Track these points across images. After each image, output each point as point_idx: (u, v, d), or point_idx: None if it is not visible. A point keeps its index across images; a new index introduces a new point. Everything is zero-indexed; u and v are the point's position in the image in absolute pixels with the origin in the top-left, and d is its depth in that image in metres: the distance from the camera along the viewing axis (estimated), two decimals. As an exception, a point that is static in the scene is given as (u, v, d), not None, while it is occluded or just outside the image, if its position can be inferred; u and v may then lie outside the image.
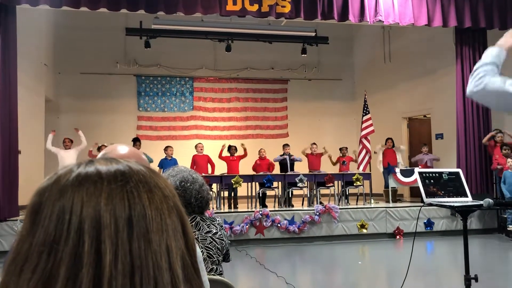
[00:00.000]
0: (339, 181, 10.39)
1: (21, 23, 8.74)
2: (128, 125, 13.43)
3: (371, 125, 10.87)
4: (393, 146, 11.31)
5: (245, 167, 10.71)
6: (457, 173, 3.79)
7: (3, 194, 7.99)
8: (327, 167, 10.96)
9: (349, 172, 10.50)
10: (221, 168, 10.68)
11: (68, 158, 9.56)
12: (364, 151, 10.80)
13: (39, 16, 10.86)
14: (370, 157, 10.82)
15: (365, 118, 10.98)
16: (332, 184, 10.00)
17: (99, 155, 1.41)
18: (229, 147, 10.80)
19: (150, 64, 13.69)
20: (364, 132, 10.87)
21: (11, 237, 7.77)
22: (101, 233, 0.50)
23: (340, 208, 9.09)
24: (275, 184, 9.88)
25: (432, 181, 3.70)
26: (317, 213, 8.89)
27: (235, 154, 10.72)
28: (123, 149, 1.51)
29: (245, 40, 12.97)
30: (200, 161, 10.41)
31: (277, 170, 10.82)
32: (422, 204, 3.78)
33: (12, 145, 8.31)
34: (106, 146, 8.22)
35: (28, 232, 0.53)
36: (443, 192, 3.67)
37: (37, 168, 10.80)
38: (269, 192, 10.16)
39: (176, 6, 8.47)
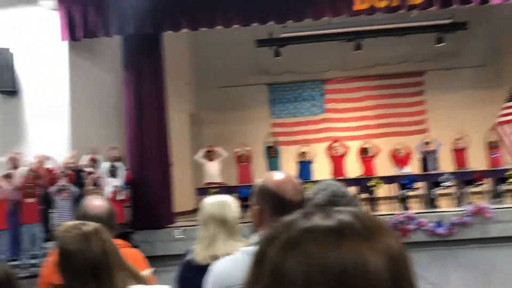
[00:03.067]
0: (490, 178, 9.50)
1: (168, 48, 9.63)
2: (262, 133, 13.94)
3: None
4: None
5: (382, 167, 10.38)
6: None
7: (160, 204, 8.91)
8: (475, 163, 10.10)
9: (500, 168, 9.54)
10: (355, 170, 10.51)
11: (212, 168, 10.23)
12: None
13: (181, 39, 11.86)
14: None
15: (506, 105, 9.92)
16: (482, 182, 9.19)
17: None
18: (363, 149, 10.58)
19: (281, 72, 14.04)
20: (502, 119, 9.81)
21: (169, 243, 8.58)
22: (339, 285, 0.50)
23: (494, 208, 8.31)
24: (416, 184, 9.41)
25: None
26: (468, 214, 8.25)
27: (369, 154, 10.47)
28: (279, 175, 1.61)
29: (374, 36, 12.59)
30: (336, 162, 10.39)
31: (415, 168, 10.28)
32: None
33: (165, 159, 9.22)
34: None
35: (252, 280, 0.56)
36: None
37: (187, 178, 11.79)
38: (411, 193, 9.70)
39: (304, 13, 8.60)
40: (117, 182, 8.59)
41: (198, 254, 2.34)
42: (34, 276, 5.11)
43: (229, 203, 2.43)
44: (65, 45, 9.35)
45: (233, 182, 10.28)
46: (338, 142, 11.01)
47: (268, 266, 0.54)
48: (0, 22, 9.39)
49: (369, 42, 12.78)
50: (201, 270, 2.37)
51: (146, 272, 1.73)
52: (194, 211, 11.83)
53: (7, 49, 9.07)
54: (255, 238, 1.59)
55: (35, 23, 9.42)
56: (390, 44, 13.22)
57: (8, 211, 7.53)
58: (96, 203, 2.40)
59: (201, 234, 2.38)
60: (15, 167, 8.21)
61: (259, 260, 0.56)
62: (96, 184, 8.17)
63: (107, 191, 8.22)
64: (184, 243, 8.62)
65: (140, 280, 1.57)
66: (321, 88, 14.24)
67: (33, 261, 7.53)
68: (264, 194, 1.58)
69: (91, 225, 1.55)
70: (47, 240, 7.92)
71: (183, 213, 10.74)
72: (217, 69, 13.94)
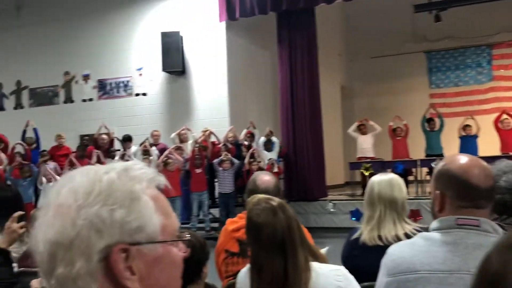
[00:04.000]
0: None
1: (319, 20, 9.58)
2: (419, 104, 13.11)
3: None
4: None
5: None
6: None
7: (313, 177, 9.05)
8: None
9: None
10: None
11: (365, 142, 9.99)
12: None
13: (332, 10, 11.67)
14: None
15: None
16: None
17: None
18: None
19: (441, 38, 12.95)
20: None
21: (322, 215, 8.70)
22: None
23: None
24: None
25: None
26: None
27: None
28: (464, 158, 1.48)
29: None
30: (506, 137, 9.31)
31: None
32: None
33: (318, 132, 9.29)
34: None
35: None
36: None
37: (337, 151, 11.76)
38: None
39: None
40: (272, 155, 8.94)
41: (365, 234, 2.32)
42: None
43: (398, 183, 2.33)
44: (222, 25, 9.91)
45: (386, 156, 9.93)
46: (508, 113, 9.81)
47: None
48: (173, 8, 10.36)
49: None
50: (367, 249, 2.35)
51: (323, 250, 1.76)
52: (345, 185, 11.79)
53: (178, 32, 9.96)
54: (435, 224, 1.50)
55: (198, 7, 10.16)
56: None
57: (180, 180, 8.40)
58: (265, 177, 2.51)
59: (368, 213, 2.34)
60: (184, 141, 9.10)
61: (496, 281, 0.50)
62: (253, 157, 8.61)
63: (263, 163, 8.61)
64: (335, 216, 8.67)
65: (318, 258, 1.60)
66: (489, 53, 12.79)
67: (200, 225, 8.34)
68: (447, 178, 1.47)
69: (277, 200, 1.61)
70: (211, 206, 8.68)
71: (334, 187, 10.78)
72: (369, 39, 13.43)
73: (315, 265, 1.54)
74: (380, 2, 11.57)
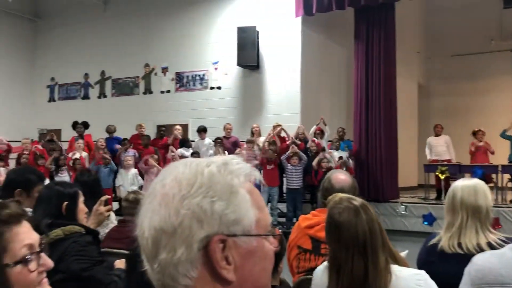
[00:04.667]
0: None
1: (398, 16, 9.27)
2: (503, 106, 12.31)
3: None
4: None
5: None
6: None
7: (385, 178, 8.80)
8: None
9: None
10: None
11: (438, 145, 9.53)
12: None
13: (412, 5, 11.25)
14: None
15: None
16: None
17: None
18: None
19: (532, 36, 12.05)
20: None
21: (392, 217, 8.46)
22: None
23: None
24: None
25: None
26: None
27: None
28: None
29: None
30: None
31: None
32: None
33: (393, 131, 9.01)
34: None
35: None
36: None
37: (411, 152, 11.34)
38: None
39: None
40: (343, 153, 8.81)
41: (444, 240, 2.23)
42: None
43: (483, 189, 2.21)
44: (298, 20, 9.88)
45: (462, 160, 9.43)
46: None
47: None
48: (250, 3, 10.50)
49: None
50: (446, 257, 2.26)
51: (403, 254, 1.72)
52: (418, 187, 11.35)
53: (254, 27, 10.08)
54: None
55: (275, 2, 10.21)
56: None
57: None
58: (340, 176, 2.49)
59: (449, 220, 2.24)
60: (256, 135, 9.23)
61: None
62: (320, 153, 8.54)
63: (333, 161, 8.50)
64: (406, 219, 8.39)
65: (399, 261, 1.57)
66: None
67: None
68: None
69: (359, 200, 1.60)
70: (278, 201, 8.71)
71: (406, 189, 10.42)
72: (450, 36, 12.78)
73: (395, 268, 1.51)
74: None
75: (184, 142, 9.25)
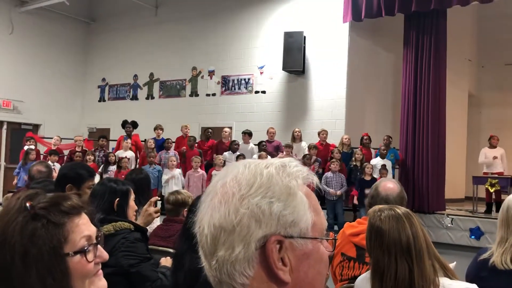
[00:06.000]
0: None
1: (449, 23, 9.02)
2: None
3: None
4: None
5: None
6: None
7: (431, 188, 8.55)
8: None
9: None
10: None
11: (492, 155, 9.15)
12: None
13: (464, 12, 10.91)
14: None
15: None
16: None
17: None
18: None
19: None
20: None
21: (437, 229, 8.20)
22: None
23: None
24: None
25: None
26: None
27: None
28: None
29: None
30: None
31: None
32: None
33: (440, 140, 8.74)
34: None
35: None
36: None
37: (459, 163, 10.97)
38: None
39: None
40: (386, 162, 8.63)
41: (496, 256, 2.15)
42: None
43: (540, 204, 2.12)
44: (345, 26, 9.78)
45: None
46: None
47: None
48: (297, 8, 10.51)
49: None
50: (497, 273, 2.18)
51: (452, 265, 1.67)
52: (465, 199, 10.94)
53: (301, 32, 10.07)
54: None
55: (323, 7, 10.16)
56: None
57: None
58: (388, 185, 2.45)
59: (501, 234, 2.16)
60: (297, 140, 9.21)
61: None
62: (364, 161, 8.41)
63: (374, 169, 8.34)
64: (452, 232, 8.11)
65: (448, 272, 1.53)
66: None
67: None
68: None
69: (402, 209, 1.58)
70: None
71: (452, 200, 10.07)
72: (504, 44, 12.27)
73: (444, 281, 1.48)
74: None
75: (231, 146, 9.32)
